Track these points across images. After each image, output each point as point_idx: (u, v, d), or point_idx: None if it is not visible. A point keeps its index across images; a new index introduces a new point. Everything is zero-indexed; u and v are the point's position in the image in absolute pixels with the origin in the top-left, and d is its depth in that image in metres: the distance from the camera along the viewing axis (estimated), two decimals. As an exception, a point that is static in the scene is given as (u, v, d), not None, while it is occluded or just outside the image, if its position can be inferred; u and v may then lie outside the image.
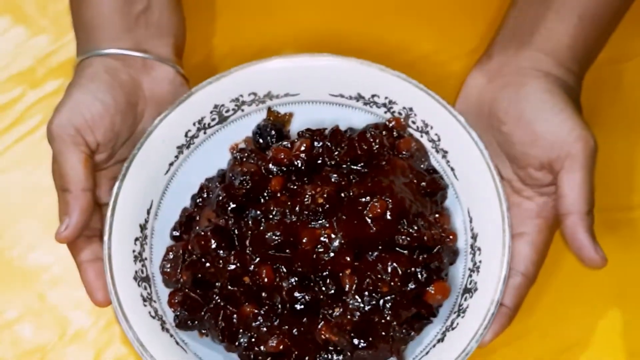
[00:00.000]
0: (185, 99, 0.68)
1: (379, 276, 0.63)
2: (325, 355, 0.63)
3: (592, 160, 0.62)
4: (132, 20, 0.69)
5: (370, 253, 0.64)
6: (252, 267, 0.64)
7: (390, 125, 0.69)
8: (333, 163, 0.68)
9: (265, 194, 0.67)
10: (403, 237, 0.64)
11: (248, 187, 0.66)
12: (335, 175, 0.66)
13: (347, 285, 0.63)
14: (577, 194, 0.61)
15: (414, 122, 0.69)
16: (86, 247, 0.65)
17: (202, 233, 0.66)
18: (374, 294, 0.63)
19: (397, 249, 0.64)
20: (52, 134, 0.66)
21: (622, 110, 0.75)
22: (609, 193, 0.71)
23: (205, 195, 0.70)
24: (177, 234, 0.69)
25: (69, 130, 0.65)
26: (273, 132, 0.70)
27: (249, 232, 0.65)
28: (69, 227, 0.63)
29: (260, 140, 0.71)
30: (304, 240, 0.64)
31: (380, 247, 0.64)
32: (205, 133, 0.70)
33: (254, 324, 0.64)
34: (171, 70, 0.70)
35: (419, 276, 0.63)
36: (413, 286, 0.63)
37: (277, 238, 0.64)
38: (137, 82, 0.68)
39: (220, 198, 0.66)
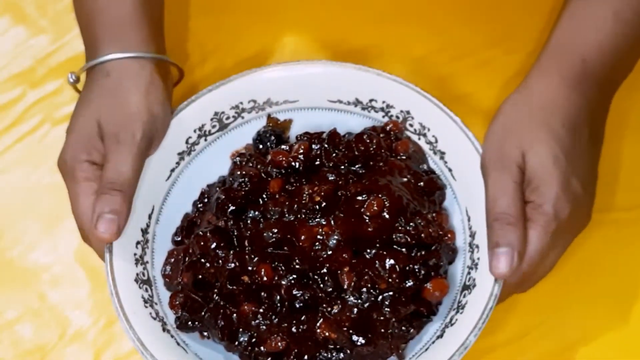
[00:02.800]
0: (186, 106, 0.69)
1: (377, 273, 0.63)
2: (325, 354, 0.63)
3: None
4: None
5: (368, 251, 0.64)
6: (251, 267, 0.64)
7: (388, 127, 0.70)
8: (331, 165, 0.68)
9: (264, 196, 0.67)
10: (401, 234, 0.64)
11: (247, 188, 0.67)
12: (332, 174, 0.67)
13: (346, 283, 0.63)
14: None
15: (411, 125, 0.70)
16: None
17: (202, 233, 0.66)
18: (372, 291, 0.63)
19: (395, 246, 0.64)
20: (62, 170, 0.66)
21: (622, 111, 0.74)
22: (609, 193, 0.72)
23: (206, 201, 0.70)
24: (179, 238, 0.69)
25: (79, 161, 0.64)
26: (273, 138, 0.71)
27: (248, 232, 0.65)
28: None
29: (261, 146, 0.71)
30: (302, 238, 0.64)
31: (378, 245, 0.64)
32: (205, 140, 0.71)
33: (253, 322, 0.64)
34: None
35: (417, 273, 0.64)
36: (411, 283, 0.63)
37: (275, 236, 0.64)
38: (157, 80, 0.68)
39: (220, 200, 0.67)
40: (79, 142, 0.65)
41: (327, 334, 0.63)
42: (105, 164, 0.64)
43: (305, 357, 0.63)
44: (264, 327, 0.64)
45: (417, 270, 0.64)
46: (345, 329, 0.63)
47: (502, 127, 0.64)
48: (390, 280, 0.63)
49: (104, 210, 0.63)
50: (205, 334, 0.66)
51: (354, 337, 0.63)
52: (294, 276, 0.64)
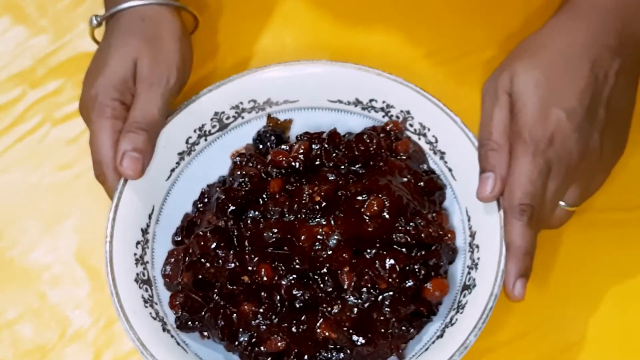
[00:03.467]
0: (186, 106, 0.69)
1: (377, 273, 0.63)
2: (325, 353, 0.63)
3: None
4: None
5: (368, 250, 0.64)
6: (251, 267, 0.64)
7: (388, 127, 0.70)
8: (331, 165, 0.68)
9: (264, 196, 0.67)
10: (401, 234, 0.64)
11: (247, 188, 0.67)
12: (332, 174, 0.67)
13: (346, 283, 0.63)
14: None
15: (411, 125, 0.70)
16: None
17: (202, 233, 0.66)
18: (372, 291, 0.63)
19: (395, 246, 0.64)
20: (87, 105, 0.67)
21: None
22: (609, 193, 0.72)
23: (206, 201, 0.70)
24: (179, 238, 0.69)
25: (111, 99, 0.66)
26: (273, 138, 0.71)
27: (248, 232, 0.65)
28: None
29: (261, 146, 0.71)
30: (302, 238, 0.64)
31: (378, 245, 0.64)
32: (206, 140, 0.71)
33: (253, 322, 0.64)
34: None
35: (417, 273, 0.64)
36: (411, 283, 0.63)
37: (275, 236, 0.64)
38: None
39: (220, 200, 0.67)
40: (113, 81, 0.67)
41: (327, 334, 0.63)
42: (134, 103, 0.66)
43: (305, 357, 0.63)
44: (264, 327, 0.64)
45: (417, 270, 0.64)
46: (345, 329, 0.63)
47: (506, 59, 0.65)
48: (390, 280, 0.63)
49: (129, 147, 0.64)
50: (205, 334, 0.66)
51: (354, 337, 0.63)
52: (294, 276, 0.64)
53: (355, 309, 0.63)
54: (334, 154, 0.69)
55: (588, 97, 0.62)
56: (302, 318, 0.63)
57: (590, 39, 0.64)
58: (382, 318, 0.63)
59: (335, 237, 0.64)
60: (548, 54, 0.63)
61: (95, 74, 0.68)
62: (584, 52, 0.63)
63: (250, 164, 0.69)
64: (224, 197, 0.67)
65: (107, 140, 0.65)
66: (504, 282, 0.61)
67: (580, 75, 0.62)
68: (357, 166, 0.68)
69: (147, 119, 0.66)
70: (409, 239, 0.64)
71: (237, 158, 0.70)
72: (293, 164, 0.68)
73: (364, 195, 0.65)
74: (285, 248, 0.64)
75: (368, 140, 0.68)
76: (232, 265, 0.65)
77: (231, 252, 0.65)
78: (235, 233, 0.66)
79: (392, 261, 0.63)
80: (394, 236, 0.64)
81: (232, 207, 0.67)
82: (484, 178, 0.63)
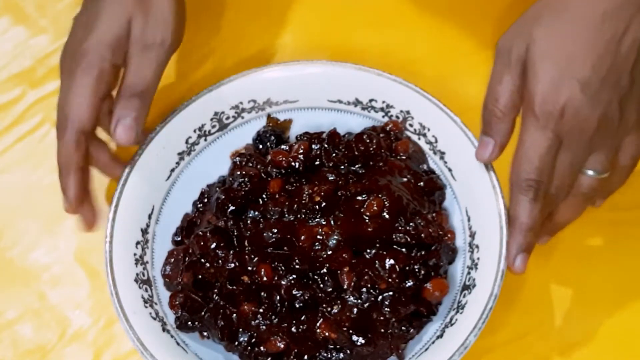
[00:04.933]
0: (186, 106, 0.69)
1: (377, 273, 0.63)
2: (325, 354, 0.63)
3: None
4: None
5: (368, 251, 0.64)
6: (251, 267, 0.64)
7: (388, 127, 0.70)
8: (331, 165, 0.68)
9: (264, 196, 0.67)
10: (401, 234, 0.64)
11: (247, 188, 0.67)
12: (332, 174, 0.67)
13: (346, 283, 0.63)
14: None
15: (411, 125, 0.70)
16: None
17: (202, 233, 0.66)
18: (372, 291, 0.63)
19: (395, 246, 0.64)
20: (71, 57, 0.64)
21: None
22: (608, 193, 0.72)
23: (206, 201, 0.70)
24: (179, 238, 0.69)
25: (102, 60, 0.63)
26: (273, 138, 0.71)
27: (248, 232, 0.65)
28: (69, 204, 0.65)
29: (261, 146, 0.71)
30: (302, 238, 0.64)
31: (378, 245, 0.64)
32: (205, 140, 0.71)
33: (253, 322, 0.64)
34: None
35: (417, 273, 0.64)
36: (411, 283, 0.63)
37: (275, 236, 0.64)
38: None
39: (220, 200, 0.67)
40: (107, 39, 0.64)
41: (327, 334, 0.63)
42: (127, 67, 0.64)
43: (305, 357, 0.63)
44: (264, 327, 0.64)
45: (417, 270, 0.64)
46: (345, 329, 0.63)
47: (525, 17, 0.63)
48: (390, 280, 0.63)
49: (123, 115, 0.63)
50: (205, 334, 0.66)
51: (354, 337, 0.63)
52: (294, 276, 0.64)
53: (355, 309, 0.63)
54: (334, 154, 0.69)
55: (606, 66, 0.60)
56: (302, 318, 0.63)
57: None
58: (382, 318, 0.63)
59: (335, 237, 0.64)
60: (569, 17, 0.60)
61: (86, 27, 0.65)
62: (608, 16, 0.60)
63: (250, 164, 0.69)
64: (223, 197, 0.67)
65: (84, 99, 0.63)
66: (506, 255, 0.62)
67: (600, 41, 0.60)
68: (357, 166, 0.68)
69: (141, 84, 0.64)
70: (408, 239, 0.64)
71: (237, 158, 0.70)
72: (293, 164, 0.68)
73: (363, 196, 0.65)
74: (285, 248, 0.64)
75: (368, 140, 0.68)
76: (232, 265, 0.65)
77: (231, 252, 0.65)
78: (235, 233, 0.66)
79: (392, 261, 0.63)
80: (393, 236, 0.64)
81: (232, 207, 0.67)
82: (485, 141, 0.63)
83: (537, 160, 0.60)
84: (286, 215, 0.65)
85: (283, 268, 0.64)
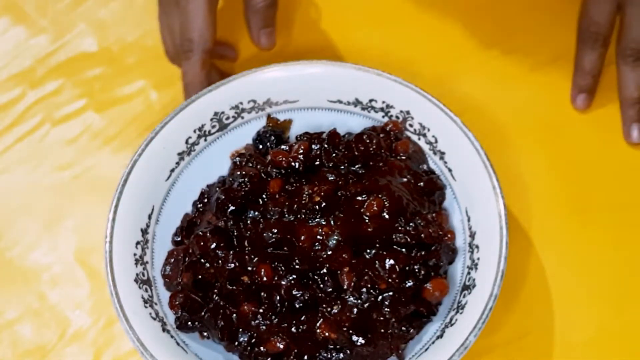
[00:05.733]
0: (186, 106, 0.69)
1: (377, 273, 0.63)
2: (325, 354, 0.64)
3: None
4: None
5: (368, 251, 0.64)
6: (251, 267, 0.64)
7: (388, 127, 0.70)
8: (331, 165, 0.68)
9: (264, 196, 0.67)
10: (401, 234, 0.64)
11: (247, 188, 0.67)
12: (332, 174, 0.67)
13: (346, 283, 0.63)
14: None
15: (411, 125, 0.70)
16: None
17: (201, 233, 0.66)
18: (372, 291, 0.63)
19: (395, 246, 0.64)
20: None
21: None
22: (609, 192, 0.72)
23: (206, 201, 0.70)
24: (179, 239, 0.69)
25: None
26: (273, 138, 0.71)
27: (248, 232, 0.65)
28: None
29: (261, 146, 0.71)
30: (301, 238, 0.64)
31: (378, 245, 0.64)
32: (205, 140, 0.71)
33: (253, 322, 0.64)
34: None
35: (417, 273, 0.64)
36: (411, 283, 0.63)
37: (275, 236, 0.64)
38: None
39: (220, 200, 0.67)
40: None
41: (327, 334, 0.63)
42: None
43: (305, 357, 0.63)
44: (264, 327, 0.64)
45: (417, 270, 0.64)
46: (345, 329, 0.63)
47: None
48: (390, 280, 0.63)
49: (264, 25, 0.73)
50: (205, 334, 0.66)
51: (354, 337, 0.63)
52: (294, 276, 0.64)
53: (355, 309, 0.63)
54: (334, 154, 0.69)
55: None
56: (302, 318, 0.63)
57: None
58: (382, 318, 0.63)
59: (335, 237, 0.64)
60: None
61: None
62: None
63: (250, 164, 0.69)
64: (223, 197, 0.67)
65: (204, 20, 0.70)
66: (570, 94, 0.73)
67: None
68: (356, 166, 0.68)
69: None
70: (408, 239, 0.64)
71: (237, 158, 0.70)
72: (293, 164, 0.68)
73: (363, 196, 0.65)
74: (285, 248, 0.64)
75: (368, 141, 0.68)
76: (232, 265, 0.65)
77: (231, 252, 0.65)
78: (235, 233, 0.66)
79: (392, 261, 0.63)
80: (393, 236, 0.64)
81: (231, 207, 0.67)
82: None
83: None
84: (286, 216, 0.66)
85: (283, 268, 0.64)
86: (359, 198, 0.65)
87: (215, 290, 0.65)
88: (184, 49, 0.71)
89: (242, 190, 0.67)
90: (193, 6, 0.70)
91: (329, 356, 0.63)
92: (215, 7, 0.71)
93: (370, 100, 0.70)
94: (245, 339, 0.64)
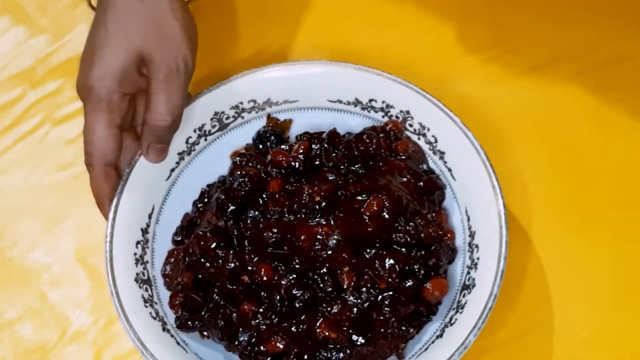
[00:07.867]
0: (185, 106, 0.69)
1: (377, 273, 0.63)
2: (325, 353, 0.64)
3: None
4: None
5: (368, 250, 0.64)
6: (251, 266, 0.64)
7: (388, 127, 0.70)
8: (331, 165, 0.68)
9: (264, 196, 0.67)
10: (400, 234, 0.64)
11: (247, 188, 0.67)
12: (332, 174, 0.67)
13: (346, 282, 0.63)
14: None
15: (411, 125, 0.70)
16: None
17: (202, 233, 0.66)
18: (372, 291, 0.63)
19: (395, 246, 0.64)
20: (82, 94, 0.64)
21: (622, 110, 0.75)
22: (608, 192, 0.72)
23: (206, 201, 0.70)
24: (179, 238, 0.70)
25: (110, 92, 0.63)
26: (273, 138, 0.71)
27: (248, 231, 0.65)
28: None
29: (261, 146, 0.71)
30: (301, 238, 0.64)
31: (378, 245, 0.64)
32: (205, 140, 0.71)
33: (253, 322, 0.64)
34: None
35: (417, 273, 0.64)
36: (411, 283, 0.63)
37: (275, 236, 0.64)
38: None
39: (220, 200, 0.67)
40: (112, 70, 0.63)
41: (327, 333, 0.63)
42: (153, 94, 0.63)
43: (305, 357, 0.63)
44: (264, 327, 0.64)
45: (416, 270, 0.64)
46: (345, 328, 0.63)
47: None
48: (390, 280, 0.63)
49: (155, 140, 0.65)
50: (205, 333, 0.67)
51: (354, 337, 0.63)
52: (294, 276, 0.64)
53: (355, 309, 0.63)
54: (334, 154, 0.69)
55: None
56: (302, 318, 0.63)
57: None
58: (381, 318, 0.63)
59: (335, 237, 0.64)
60: None
61: (91, 60, 0.64)
62: None
63: (250, 164, 0.69)
64: (223, 197, 0.67)
65: (100, 132, 0.63)
66: None
67: None
68: (356, 166, 0.68)
69: (174, 111, 0.64)
70: (408, 239, 0.64)
71: (237, 158, 0.70)
72: (293, 164, 0.68)
73: (363, 195, 0.65)
74: (285, 248, 0.64)
75: (368, 140, 0.68)
76: (232, 265, 0.65)
77: (231, 252, 0.65)
78: (235, 233, 0.66)
79: (391, 261, 0.63)
80: (393, 236, 0.64)
81: (232, 207, 0.67)
82: None
83: None
84: (286, 215, 0.66)
85: (283, 268, 0.64)
86: (359, 198, 0.65)
87: (216, 290, 0.65)
88: (85, 162, 0.65)
89: (242, 190, 0.67)
90: (91, 118, 0.64)
91: (329, 356, 0.63)
92: (119, 119, 0.65)
93: (370, 100, 0.70)
94: (245, 339, 0.64)
